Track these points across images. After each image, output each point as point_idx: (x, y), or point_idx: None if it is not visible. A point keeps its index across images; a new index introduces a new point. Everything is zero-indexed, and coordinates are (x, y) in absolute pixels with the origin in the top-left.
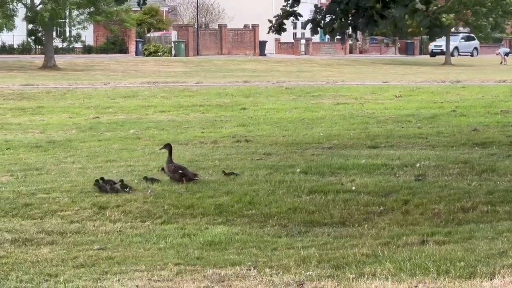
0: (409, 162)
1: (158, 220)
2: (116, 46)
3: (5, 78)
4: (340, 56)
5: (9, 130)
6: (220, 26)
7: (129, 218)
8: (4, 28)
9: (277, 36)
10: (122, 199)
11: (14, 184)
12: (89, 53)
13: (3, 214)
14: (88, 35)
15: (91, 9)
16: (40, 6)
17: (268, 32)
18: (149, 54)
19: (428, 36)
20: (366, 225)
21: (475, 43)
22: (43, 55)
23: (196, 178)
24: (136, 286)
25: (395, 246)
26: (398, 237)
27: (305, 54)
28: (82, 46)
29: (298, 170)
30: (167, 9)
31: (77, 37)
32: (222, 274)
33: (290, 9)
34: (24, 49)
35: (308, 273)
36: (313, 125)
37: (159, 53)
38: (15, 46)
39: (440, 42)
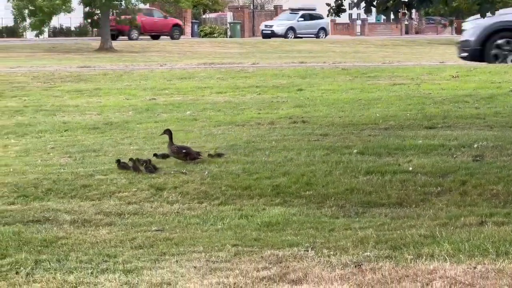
0: (466, 142)
1: (215, 201)
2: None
3: (62, 61)
4: (396, 37)
5: (67, 112)
6: (275, 7)
7: (186, 199)
8: (62, 11)
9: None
10: (179, 180)
11: (73, 165)
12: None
13: (62, 195)
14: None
15: None
16: None
17: (328, 15)
18: (205, 36)
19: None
20: (423, 206)
21: (322, 22)
22: (100, 37)
23: (200, 156)
24: (194, 267)
25: (453, 227)
26: (456, 218)
27: (360, 35)
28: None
29: (355, 151)
30: None
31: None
32: (280, 255)
33: None
34: (81, 32)
35: (365, 254)
36: (370, 106)
37: (215, 35)
38: (72, 29)
39: (272, 22)
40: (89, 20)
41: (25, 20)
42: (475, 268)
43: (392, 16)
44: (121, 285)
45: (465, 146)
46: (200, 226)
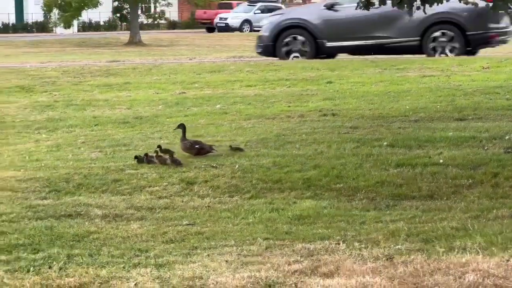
0: (497, 134)
1: (246, 195)
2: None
3: (91, 55)
4: None
5: (97, 107)
6: (304, 0)
7: (217, 193)
8: (90, 5)
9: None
10: (210, 174)
11: (103, 160)
12: (173, 29)
13: (93, 190)
14: (172, 11)
15: None
16: None
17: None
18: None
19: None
20: (454, 198)
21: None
22: (129, 32)
23: (213, 150)
24: (226, 261)
25: (485, 220)
26: (488, 211)
27: None
28: (166, 22)
29: (385, 143)
30: None
31: (162, 14)
32: (311, 248)
33: None
34: (110, 26)
35: (397, 247)
36: (399, 98)
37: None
38: (101, 23)
39: (226, 15)
40: (117, 15)
41: (55, 15)
42: (508, 261)
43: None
44: (153, 280)
45: (496, 138)
46: (231, 220)
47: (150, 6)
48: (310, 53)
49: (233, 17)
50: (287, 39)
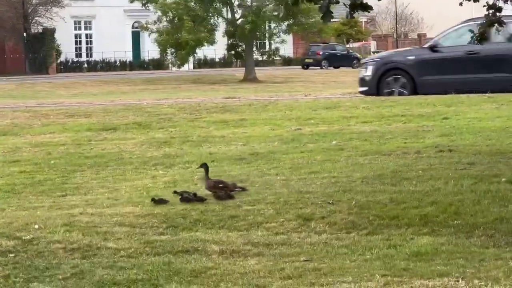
0: None
1: (363, 231)
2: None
3: (207, 92)
4: None
5: (213, 143)
6: (419, 35)
7: (334, 229)
8: (206, 43)
9: None
10: (326, 210)
11: None
12: (288, 65)
13: (210, 226)
14: (287, 47)
15: (290, 21)
16: (241, 20)
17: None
18: None
19: None
20: None
21: None
22: (244, 68)
23: (237, 189)
24: None
25: None
26: None
27: None
28: (281, 58)
29: (503, 179)
30: (365, 20)
31: (276, 50)
32: (430, 286)
33: (493, 17)
34: (225, 63)
35: None
36: None
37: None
38: (216, 60)
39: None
40: (232, 52)
41: (171, 54)
42: None
43: None
44: None
45: None
46: (348, 256)
47: (264, 43)
48: None
49: None
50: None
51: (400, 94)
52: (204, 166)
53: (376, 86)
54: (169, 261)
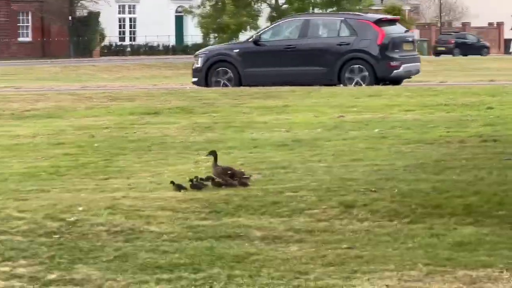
0: None
1: (405, 219)
2: None
3: None
4: None
5: (256, 129)
6: (463, 24)
7: (376, 217)
8: (249, 27)
9: None
10: (369, 198)
11: (262, 182)
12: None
13: (252, 211)
14: None
15: (334, 8)
16: (285, 5)
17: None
18: None
19: None
20: None
21: None
22: None
23: (245, 176)
24: (386, 285)
25: None
26: None
27: None
28: None
29: None
30: (409, 8)
31: None
32: (474, 276)
33: None
34: None
35: None
36: None
37: None
38: None
39: None
40: None
41: (213, 38)
42: None
43: None
44: None
45: None
46: (390, 244)
47: None
48: None
49: None
50: None
51: (225, 85)
52: (213, 153)
53: (204, 77)
54: (212, 246)
